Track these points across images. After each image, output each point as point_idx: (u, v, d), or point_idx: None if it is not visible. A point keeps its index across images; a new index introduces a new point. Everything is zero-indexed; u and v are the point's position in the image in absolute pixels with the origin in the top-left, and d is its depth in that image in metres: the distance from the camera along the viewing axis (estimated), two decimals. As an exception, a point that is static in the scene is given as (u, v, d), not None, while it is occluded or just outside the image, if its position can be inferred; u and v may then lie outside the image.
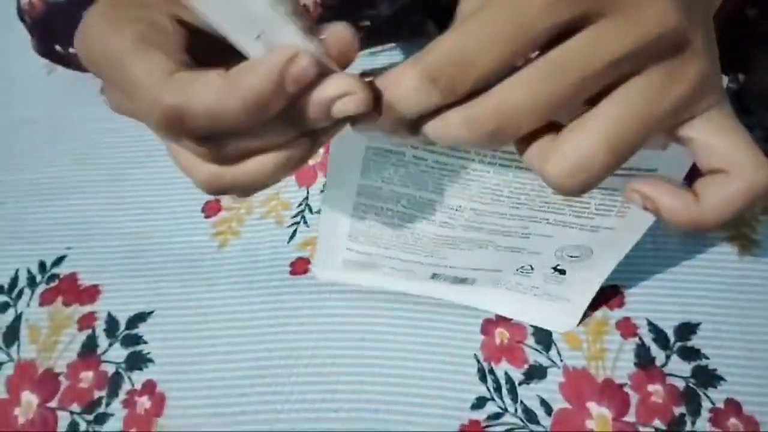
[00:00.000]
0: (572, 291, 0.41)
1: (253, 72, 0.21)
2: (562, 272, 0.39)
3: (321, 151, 0.54)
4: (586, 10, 0.20)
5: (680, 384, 0.41)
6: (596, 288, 0.40)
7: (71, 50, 0.59)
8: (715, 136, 0.22)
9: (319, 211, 0.50)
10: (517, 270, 0.40)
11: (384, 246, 0.39)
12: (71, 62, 0.60)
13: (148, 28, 0.23)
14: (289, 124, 0.22)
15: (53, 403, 0.45)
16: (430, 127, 0.22)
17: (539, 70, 0.20)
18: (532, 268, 0.39)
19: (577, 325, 0.43)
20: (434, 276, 0.41)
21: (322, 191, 0.52)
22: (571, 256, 0.37)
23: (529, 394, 0.42)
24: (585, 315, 0.43)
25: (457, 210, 0.34)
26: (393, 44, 0.59)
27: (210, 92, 0.21)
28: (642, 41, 0.20)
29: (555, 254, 0.37)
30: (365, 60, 0.59)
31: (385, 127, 0.22)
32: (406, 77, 0.21)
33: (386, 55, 0.59)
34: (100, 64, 0.24)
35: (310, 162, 0.53)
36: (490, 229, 0.35)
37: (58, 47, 0.59)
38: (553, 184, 0.22)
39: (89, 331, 0.47)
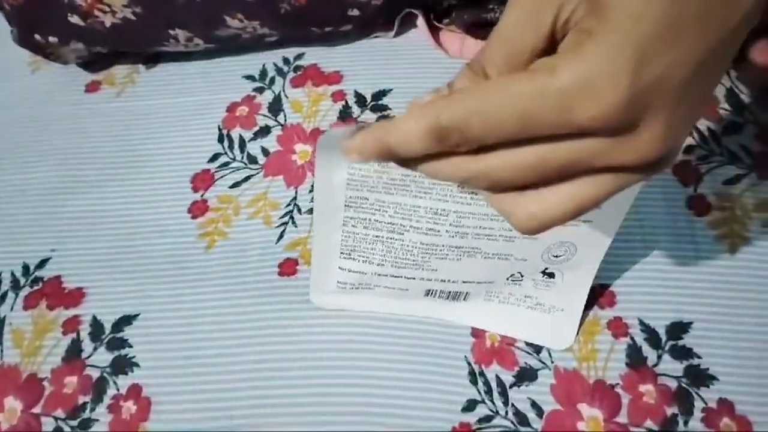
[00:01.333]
0: (563, 297, 0.40)
1: None
2: (551, 275, 0.39)
3: (309, 150, 0.53)
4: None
5: (672, 384, 0.41)
6: (586, 292, 0.40)
7: (51, 39, 0.57)
8: None
9: (309, 211, 0.50)
10: (507, 279, 0.39)
11: (376, 263, 0.39)
12: (52, 52, 0.59)
13: None
14: None
15: (37, 409, 0.44)
16: (424, 169, 0.25)
17: (531, 162, 0.24)
18: (521, 276, 0.39)
19: (575, 338, 0.42)
20: (428, 292, 0.41)
21: (310, 191, 0.51)
22: (557, 256, 0.37)
23: (520, 396, 0.41)
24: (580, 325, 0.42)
25: (441, 214, 0.35)
26: (381, 34, 0.59)
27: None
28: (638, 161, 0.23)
29: (542, 257, 0.37)
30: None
31: (379, 160, 0.26)
32: (412, 128, 0.24)
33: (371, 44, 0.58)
34: None
35: (299, 162, 0.53)
36: (475, 233, 0.35)
37: (38, 36, 0.57)
38: (516, 229, 0.26)
39: (74, 335, 0.46)
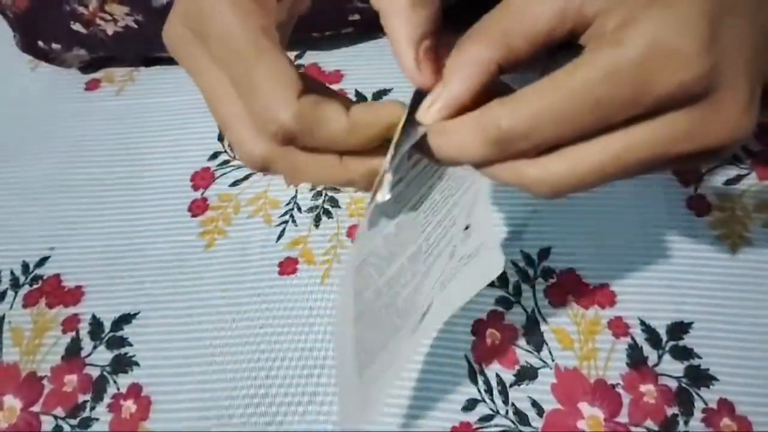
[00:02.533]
0: (479, 232, 0.37)
1: (370, 128, 0.24)
2: (467, 227, 0.36)
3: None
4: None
5: (673, 384, 0.41)
6: (490, 212, 0.38)
7: (54, 46, 0.58)
8: None
9: (309, 210, 0.50)
10: (451, 258, 0.37)
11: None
12: (55, 58, 0.60)
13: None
14: None
15: (37, 408, 0.44)
16: (494, 171, 0.23)
17: (605, 161, 0.21)
18: (455, 247, 0.37)
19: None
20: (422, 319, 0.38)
21: (311, 189, 0.51)
22: (455, 196, 0.34)
23: (521, 395, 0.41)
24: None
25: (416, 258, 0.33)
26: (382, 34, 0.59)
27: (332, 130, 0.23)
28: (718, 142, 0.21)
29: (457, 215, 0.35)
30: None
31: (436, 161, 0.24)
32: (468, 134, 0.22)
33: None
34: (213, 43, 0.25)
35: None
36: (437, 237, 0.34)
37: (41, 43, 0.58)
38: (537, 196, 0.23)
39: (73, 333, 0.46)
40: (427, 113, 0.23)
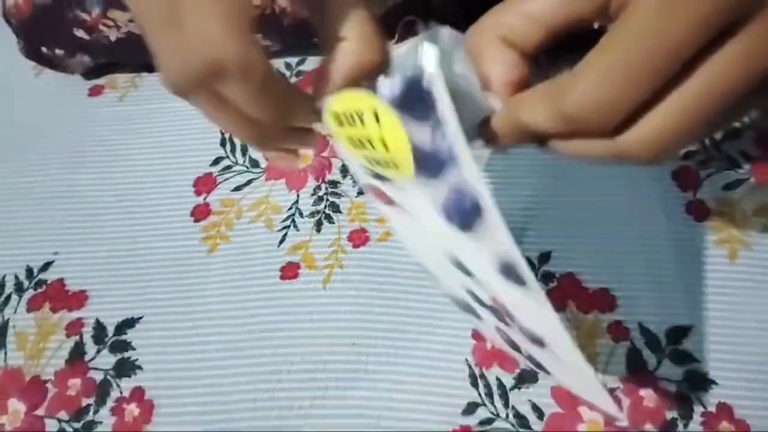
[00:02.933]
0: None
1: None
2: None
3: (311, 153, 0.53)
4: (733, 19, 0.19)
5: (672, 388, 0.41)
6: None
7: (57, 52, 0.58)
8: None
9: (311, 215, 0.50)
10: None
11: None
12: (58, 64, 0.60)
13: None
14: None
15: (41, 411, 0.44)
16: (566, 148, 0.23)
17: (694, 101, 0.20)
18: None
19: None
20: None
21: (312, 195, 0.51)
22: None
23: (521, 399, 0.41)
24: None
25: None
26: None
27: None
28: None
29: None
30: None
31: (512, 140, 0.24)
32: (539, 109, 0.22)
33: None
34: None
35: (301, 165, 0.53)
36: None
37: (44, 49, 0.58)
38: (638, 164, 0.22)
39: (77, 337, 0.47)
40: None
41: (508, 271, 0.26)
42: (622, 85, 0.20)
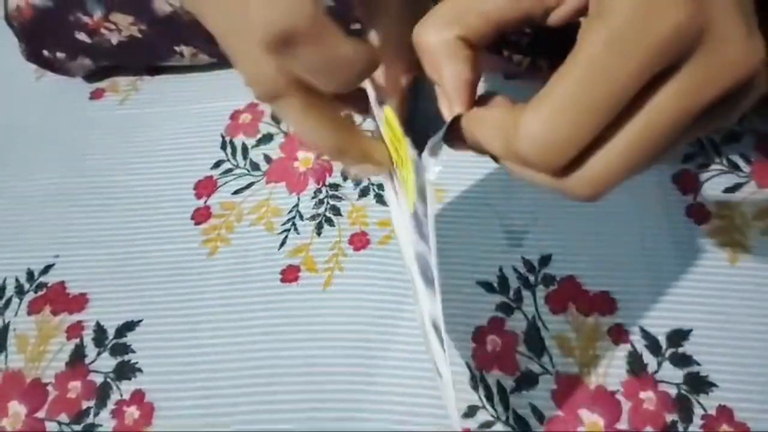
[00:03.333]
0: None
1: None
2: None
3: (311, 157, 0.54)
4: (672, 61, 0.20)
5: (672, 391, 0.41)
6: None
7: (59, 55, 0.58)
8: None
9: (311, 218, 0.50)
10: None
11: None
12: (60, 67, 0.60)
13: None
14: None
15: (41, 414, 0.44)
16: (517, 172, 0.24)
17: (635, 140, 0.21)
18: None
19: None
20: None
21: (312, 198, 0.51)
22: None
23: (521, 402, 0.41)
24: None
25: None
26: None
27: None
28: (723, 85, 0.20)
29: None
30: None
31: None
32: (494, 138, 0.23)
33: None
34: None
35: (301, 168, 0.53)
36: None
37: (46, 52, 0.58)
38: (577, 199, 0.23)
39: (77, 340, 0.47)
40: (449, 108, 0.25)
41: (436, 327, 0.29)
42: (569, 127, 0.21)
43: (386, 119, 0.28)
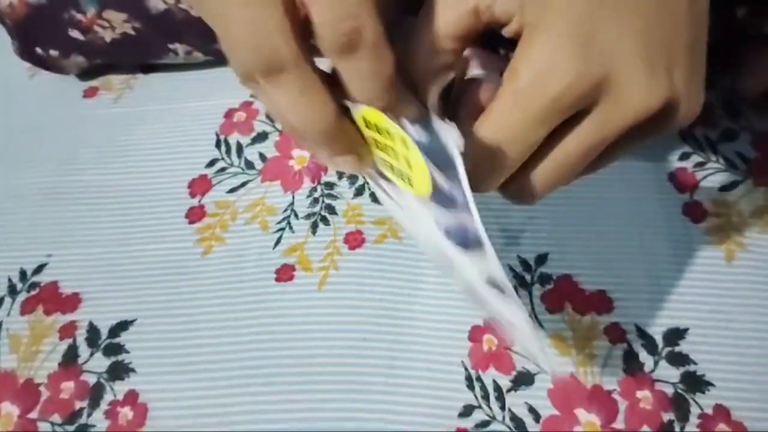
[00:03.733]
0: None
1: None
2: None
3: (307, 155, 0.53)
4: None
5: (669, 390, 0.41)
6: None
7: (52, 53, 0.58)
8: None
9: (306, 216, 0.50)
10: None
11: None
12: (53, 65, 0.60)
13: None
14: None
15: (34, 414, 0.44)
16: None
17: (555, 167, 0.27)
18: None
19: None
20: None
21: (308, 196, 0.51)
22: None
23: (517, 401, 0.41)
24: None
25: None
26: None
27: None
28: (632, 119, 0.25)
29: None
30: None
31: None
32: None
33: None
34: None
35: (296, 167, 0.53)
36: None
37: (39, 50, 0.58)
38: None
39: (70, 340, 0.46)
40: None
41: (493, 284, 0.29)
42: (498, 157, 0.27)
43: (364, 119, 0.27)
